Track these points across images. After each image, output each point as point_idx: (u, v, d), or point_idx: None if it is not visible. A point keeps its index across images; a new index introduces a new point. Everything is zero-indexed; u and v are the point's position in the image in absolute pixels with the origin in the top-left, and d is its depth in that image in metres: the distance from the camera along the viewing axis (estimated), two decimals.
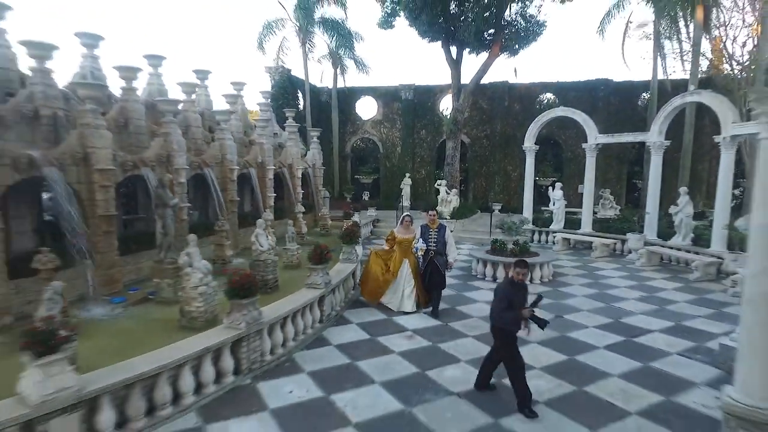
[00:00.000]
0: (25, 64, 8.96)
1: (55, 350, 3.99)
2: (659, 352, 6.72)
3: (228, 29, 71.34)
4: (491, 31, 18.23)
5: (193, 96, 13.09)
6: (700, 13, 14.35)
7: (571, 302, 9.26)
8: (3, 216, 7.20)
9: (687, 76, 17.84)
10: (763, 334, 4.11)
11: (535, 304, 4.88)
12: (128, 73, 10.60)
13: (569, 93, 21.93)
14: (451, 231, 11.53)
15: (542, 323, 4.84)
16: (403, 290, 8.43)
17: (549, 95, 23.29)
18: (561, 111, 15.46)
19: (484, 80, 20.58)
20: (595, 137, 14.66)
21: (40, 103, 8.54)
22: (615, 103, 21.95)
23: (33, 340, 3.93)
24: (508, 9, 14.75)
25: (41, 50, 8.60)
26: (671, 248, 12.51)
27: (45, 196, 9.17)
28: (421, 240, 8.33)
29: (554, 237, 15.20)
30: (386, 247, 8.89)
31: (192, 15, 73.93)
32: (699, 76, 16.17)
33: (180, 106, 11.86)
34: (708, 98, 11.90)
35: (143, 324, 7.23)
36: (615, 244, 14.09)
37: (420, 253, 8.35)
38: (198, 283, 6.95)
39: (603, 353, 6.67)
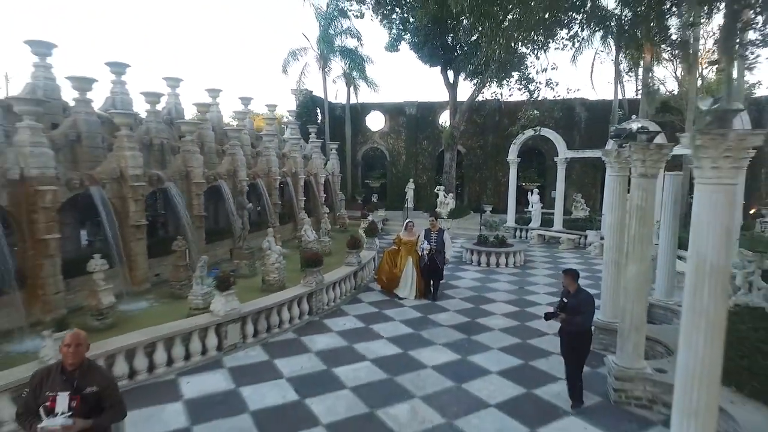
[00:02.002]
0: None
1: (229, 287, 7.45)
2: None
3: (242, 51, 74.81)
4: (482, 61, 21.66)
5: (245, 121, 16.55)
6: (648, 54, 17.74)
7: (533, 279, 12.71)
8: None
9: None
10: (611, 281, 7.54)
11: (561, 306, 5.91)
12: (203, 108, 14.08)
13: (559, 105, 25.22)
14: (448, 228, 14.93)
15: (550, 316, 5.95)
16: (409, 281, 10.86)
17: (535, 112, 26.66)
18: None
19: (478, 99, 23.96)
20: (564, 152, 18.09)
21: (153, 135, 12.01)
22: (590, 119, 25.36)
23: (218, 282, 7.40)
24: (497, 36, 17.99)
25: (153, 97, 12.10)
26: None
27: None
28: (425, 241, 10.50)
29: (531, 233, 18.65)
30: (395, 247, 11.03)
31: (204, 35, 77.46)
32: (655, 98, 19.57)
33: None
34: (646, 125, 15.29)
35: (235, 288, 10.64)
36: (579, 238, 17.51)
37: (426, 252, 10.46)
38: (275, 261, 10.40)
39: (544, 306, 10.10)
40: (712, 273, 3.62)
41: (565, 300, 5.82)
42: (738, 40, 5.75)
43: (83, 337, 3.30)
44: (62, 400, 3.10)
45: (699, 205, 3.67)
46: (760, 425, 4.78)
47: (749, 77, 18.45)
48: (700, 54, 16.87)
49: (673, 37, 9.13)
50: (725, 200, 3.56)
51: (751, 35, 6.85)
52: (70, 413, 3.09)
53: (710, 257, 3.62)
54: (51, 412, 3.07)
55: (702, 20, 10.42)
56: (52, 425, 3.03)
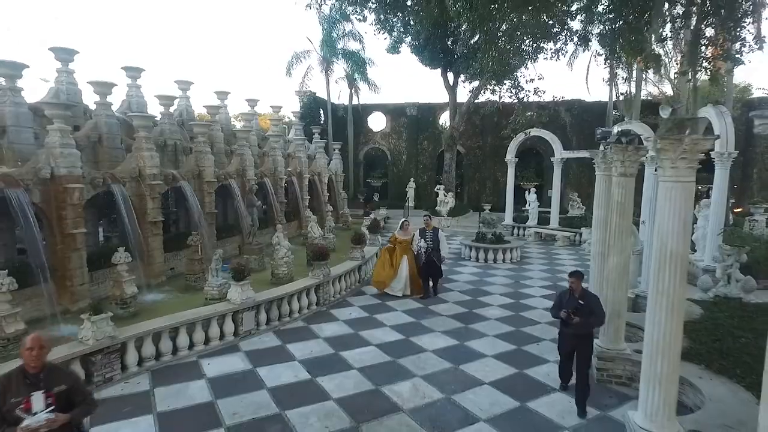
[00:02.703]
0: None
1: (244, 278, 8.05)
2: None
3: (242, 55, 75.40)
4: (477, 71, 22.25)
5: (252, 122, 17.15)
6: (639, 60, 18.29)
7: (528, 274, 13.32)
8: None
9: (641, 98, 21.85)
10: (597, 273, 8.13)
11: (575, 309, 5.74)
12: (213, 109, 14.69)
13: (547, 111, 25.88)
14: (448, 226, 15.51)
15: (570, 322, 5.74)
16: (403, 279, 11.04)
17: (530, 113, 27.28)
18: (534, 132, 19.47)
19: (477, 100, 24.61)
20: (560, 153, 18.68)
21: (167, 136, 12.62)
22: (587, 120, 25.94)
23: (234, 273, 8.01)
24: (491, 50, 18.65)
25: (167, 100, 12.70)
26: None
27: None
28: (422, 240, 10.80)
29: (528, 231, 19.26)
30: (390, 245, 11.19)
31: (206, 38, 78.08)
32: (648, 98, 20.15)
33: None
34: (636, 127, 15.87)
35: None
36: (574, 236, 18.11)
37: (422, 250, 10.68)
38: (284, 255, 11.01)
39: (538, 299, 10.72)
40: (672, 258, 4.22)
41: (581, 302, 5.75)
42: (701, 54, 6.35)
43: (45, 340, 3.27)
44: (38, 399, 3.11)
45: (660, 199, 4.27)
46: (723, 396, 5.39)
47: (744, 80, 18.92)
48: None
49: (647, 50, 9.78)
50: (682, 195, 4.16)
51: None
52: (51, 408, 3.13)
53: (670, 244, 4.22)
54: (28, 412, 3.07)
55: (670, 36, 10.99)
56: (36, 421, 3.04)
